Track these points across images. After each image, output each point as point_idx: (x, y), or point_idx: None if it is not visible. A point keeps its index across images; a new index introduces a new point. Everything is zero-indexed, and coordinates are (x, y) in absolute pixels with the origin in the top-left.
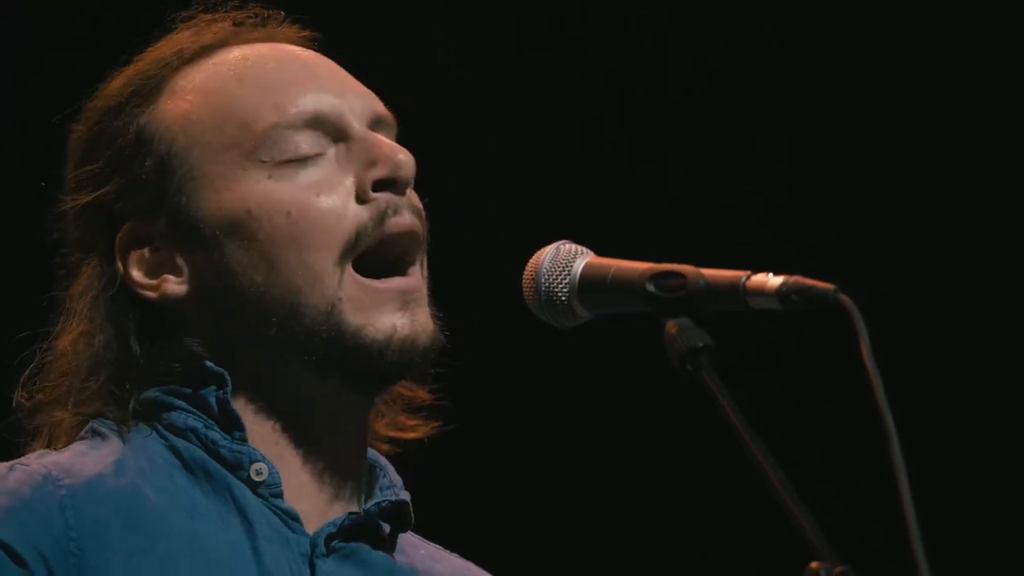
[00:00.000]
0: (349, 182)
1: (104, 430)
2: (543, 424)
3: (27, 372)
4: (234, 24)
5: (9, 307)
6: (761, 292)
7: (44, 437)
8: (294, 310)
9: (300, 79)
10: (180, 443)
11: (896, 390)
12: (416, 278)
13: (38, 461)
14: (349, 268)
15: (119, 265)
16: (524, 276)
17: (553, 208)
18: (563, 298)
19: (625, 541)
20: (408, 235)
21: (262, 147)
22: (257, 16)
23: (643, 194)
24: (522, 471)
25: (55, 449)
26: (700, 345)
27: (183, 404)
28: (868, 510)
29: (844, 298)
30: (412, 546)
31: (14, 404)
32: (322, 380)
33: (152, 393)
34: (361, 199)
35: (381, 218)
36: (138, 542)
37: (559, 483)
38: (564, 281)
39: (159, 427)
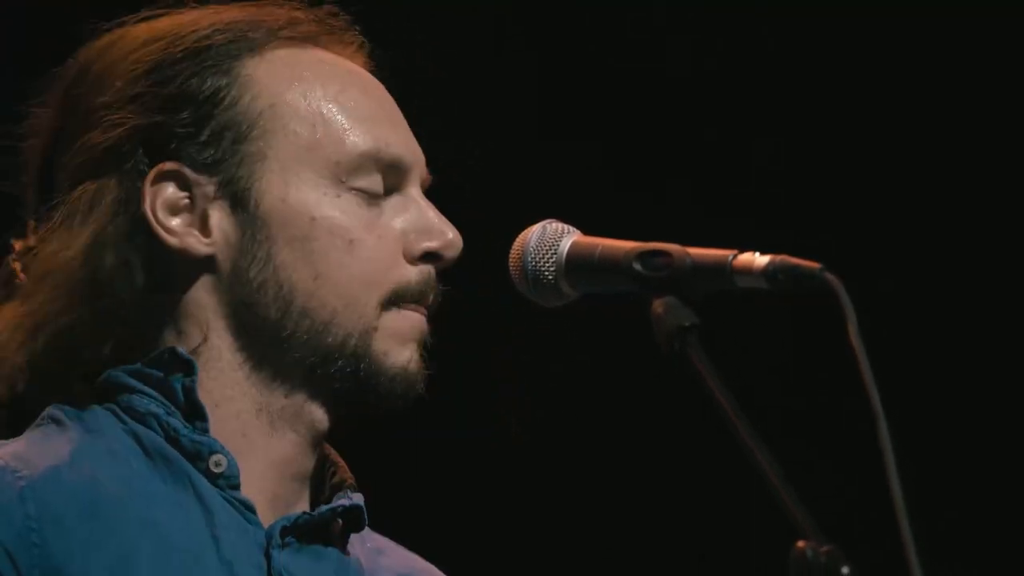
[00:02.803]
0: (403, 237)
1: (60, 416)
2: (533, 414)
3: None
4: (323, 25)
5: None
6: (748, 271)
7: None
8: (326, 326)
9: (393, 120)
10: (139, 428)
11: (896, 389)
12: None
13: None
14: (388, 310)
15: (147, 194)
16: (511, 255)
17: (542, 193)
18: (550, 277)
19: (612, 529)
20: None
21: (343, 167)
22: (339, 29)
23: (635, 192)
24: (514, 465)
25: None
26: (687, 324)
27: (146, 389)
28: (856, 491)
29: (830, 277)
30: (360, 539)
31: None
32: (318, 388)
33: (113, 374)
34: (407, 259)
35: (424, 289)
36: (98, 531)
37: (550, 475)
38: (551, 260)
39: (116, 410)
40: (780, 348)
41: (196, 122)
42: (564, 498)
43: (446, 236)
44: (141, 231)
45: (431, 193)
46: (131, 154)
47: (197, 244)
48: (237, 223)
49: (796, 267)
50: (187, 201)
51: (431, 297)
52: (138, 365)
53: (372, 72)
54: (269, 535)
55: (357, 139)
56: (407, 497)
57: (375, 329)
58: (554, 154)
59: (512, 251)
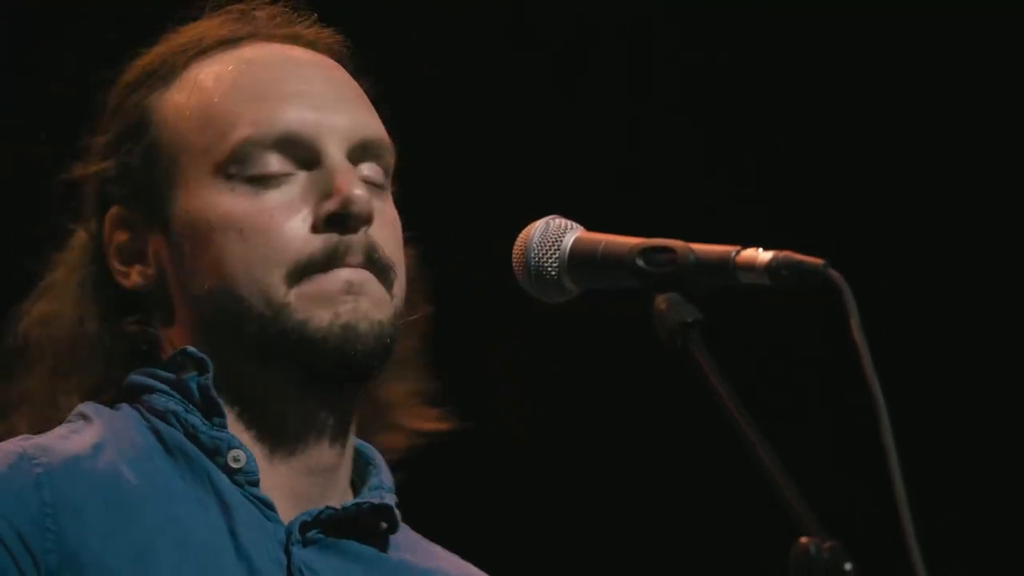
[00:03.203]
0: (307, 210)
1: (90, 412)
2: (535, 413)
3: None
4: (264, 18)
5: None
6: (751, 267)
7: (27, 416)
8: (240, 318)
9: (287, 93)
10: (161, 425)
11: (895, 388)
12: (364, 272)
13: (14, 442)
14: (297, 285)
15: (107, 248)
16: (513, 251)
17: (543, 190)
18: (553, 273)
19: (614, 527)
20: (358, 274)
21: (232, 160)
22: (284, 15)
23: (638, 187)
24: (515, 465)
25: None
26: (690, 320)
27: (164, 388)
28: (859, 488)
29: (834, 273)
30: (410, 542)
31: None
32: (283, 378)
33: (134, 376)
34: (315, 230)
35: (330, 256)
36: (116, 522)
37: (550, 475)
38: (554, 256)
39: (141, 409)
40: (782, 344)
41: (125, 160)
42: (565, 497)
43: (342, 193)
44: (108, 278)
45: (428, 186)
46: (89, 210)
47: (139, 277)
48: (163, 244)
49: (799, 263)
50: (130, 238)
51: (349, 258)
52: (154, 369)
53: (338, 56)
54: (289, 531)
55: (237, 128)
56: (407, 498)
57: (287, 304)
58: (556, 151)
59: (515, 247)
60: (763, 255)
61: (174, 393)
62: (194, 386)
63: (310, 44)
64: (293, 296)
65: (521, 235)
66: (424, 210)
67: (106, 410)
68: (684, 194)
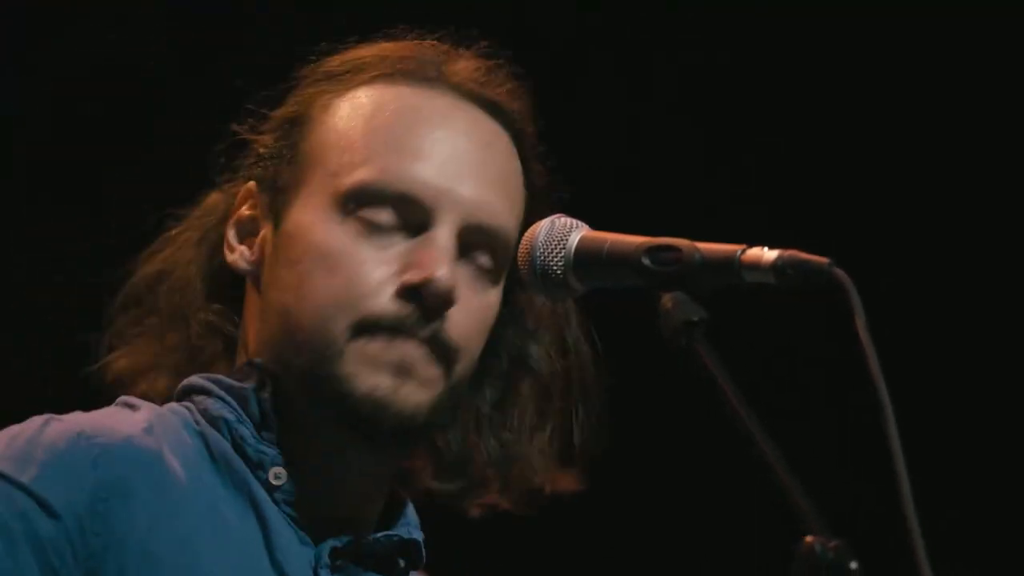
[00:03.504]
0: (392, 269)
1: (134, 401)
2: None
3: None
4: (461, 71)
5: None
6: (756, 266)
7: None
8: (298, 348)
9: (428, 152)
10: (208, 430)
11: (899, 387)
12: (422, 349)
13: (72, 418)
14: (356, 340)
15: (231, 213)
16: (519, 250)
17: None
18: (558, 272)
19: (619, 525)
20: (416, 351)
21: (349, 197)
22: (481, 71)
23: (641, 185)
24: None
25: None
26: (695, 319)
27: (222, 394)
28: (864, 487)
29: (839, 272)
30: None
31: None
32: (322, 416)
33: (195, 378)
34: (398, 295)
35: (398, 324)
36: (163, 508)
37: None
38: (559, 255)
39: (193, 409)
40: (787, 344)
41: (275, 147)
42: (571, 500)
43: (426, 272)
44: (220, 244)
45: None
46: (236, 171)
47: (241, 260)
48: (272, 243)
49: (805, 262)
50: (249, 219)
51: (416, 331)
52: (219, 376)
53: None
54: (318, 555)
55: (367, 168)
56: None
57: (341, 354)
58: (560, 150)
59: (520, 246)
60: (768, 254)
61: (230, 400)
62: (253, 397)
63: (492, 109)
64: (350, 348)
65: (527, 234)
66: None
67: (152, 404)
68: (684, 194)
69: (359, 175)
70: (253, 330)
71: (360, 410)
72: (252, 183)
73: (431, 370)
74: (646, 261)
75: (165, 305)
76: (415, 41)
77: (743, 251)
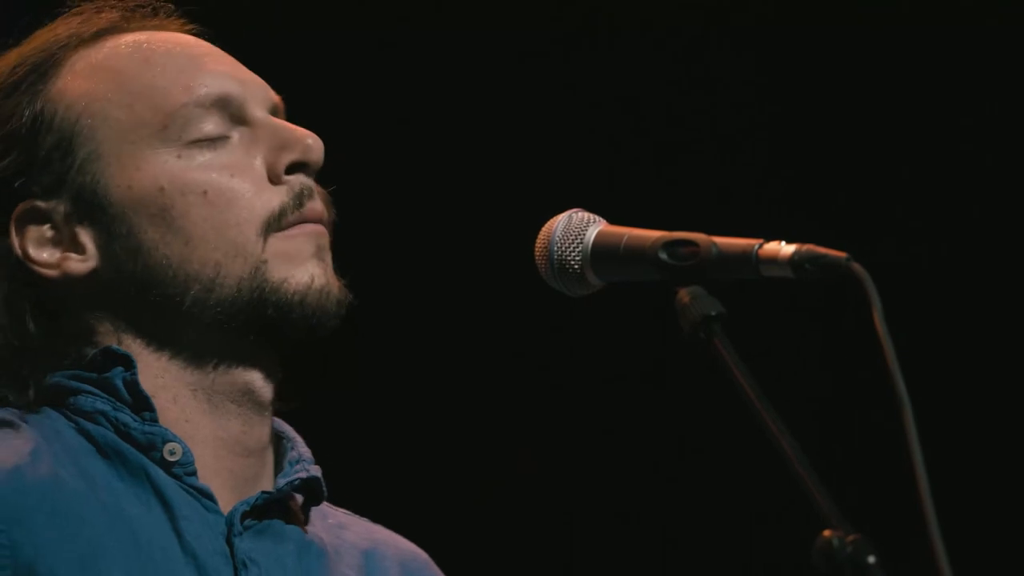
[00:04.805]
0: (259, 164)
1: (12, 418)
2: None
3: None
4: (126, 11)
5: None
6: (774, 260)
7: None
8: (213, 282)
9: (206, 62)
10: (90, 426)
11: (916, 381)
12: (324, 232)
13: None
14: (270, 237)
15: (15, 242)
16: (536, 245)
17: (564, 181)
18: (576, 266)
19: (633, 520)
20: (319, 222)
21: (172, 126)
22: (147, 7)
23: (652, 173)
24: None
25: None
26: (713, 313)
27: (90, 388)
28: (882, 481)
29: (857, 266)
30: (321, 515)
31: None
32: (238, 346)
33: (55, 378)
34: (273, 181)
35: (300, 198)
36: (64, 529)
37: (554, 474)
38: (577, 249)
39: (67, 412)
40: (805, 338)
41: (28, 156)
42: (583, 493)
43: (303, 141)
44: (22, 277)
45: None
46: None
47: (77, 265)
48: (101, 229)
49: (823, 256)
50: (51, 230)
51: (313, 207)
52: (76, 370)
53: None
54: (230, 522)
55: (171, 96)
56: (408, 494)
57: (264, 262)
58: (573, 146)
59: (538, 240)
60: (786, 248)
61: (101, 393)
62: (120, 382)
63: (177, 32)
64: (269, 253)
65: (543, 229)
66: (434, 210)
67: (29, 415)
68: (700, 189)
69: (169, 105)
70: (114, 316)
71: (305, 308)
72: (24, 203)
73: (327, 240)
74: (663, 256)
75: None
76: (63, 18)
77: (760, 246)
